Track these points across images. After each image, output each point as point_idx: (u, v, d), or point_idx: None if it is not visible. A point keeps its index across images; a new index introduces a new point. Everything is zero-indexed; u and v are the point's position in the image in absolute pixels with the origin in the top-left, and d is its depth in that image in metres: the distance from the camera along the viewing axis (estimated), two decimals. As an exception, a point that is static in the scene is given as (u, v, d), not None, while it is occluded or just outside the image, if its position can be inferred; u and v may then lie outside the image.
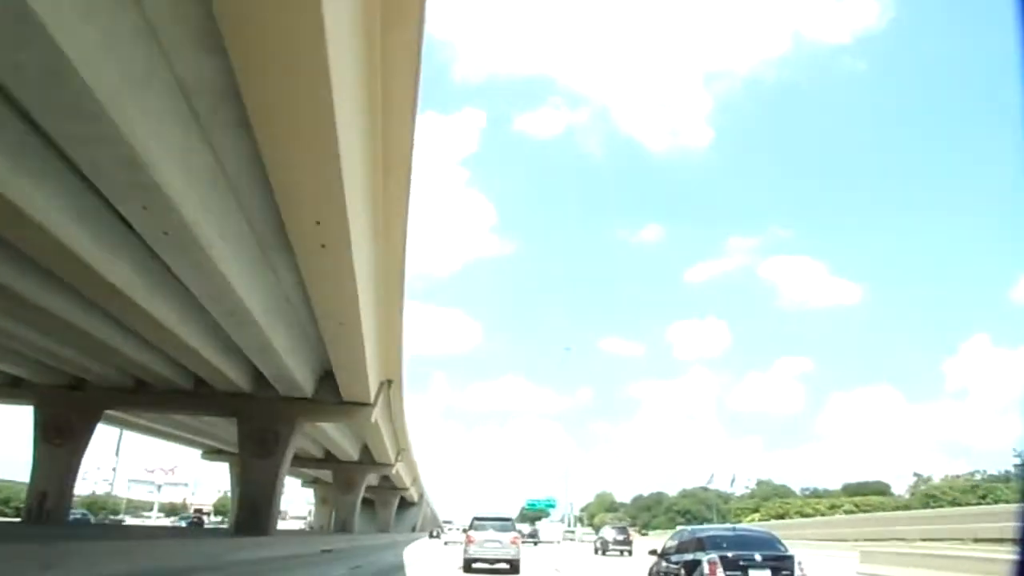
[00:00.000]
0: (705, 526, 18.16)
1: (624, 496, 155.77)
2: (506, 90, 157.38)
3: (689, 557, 10.73)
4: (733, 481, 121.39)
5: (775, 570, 9.94)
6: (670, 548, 12.17)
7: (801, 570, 10.00)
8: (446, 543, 41.53)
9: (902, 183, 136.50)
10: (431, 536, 64.24)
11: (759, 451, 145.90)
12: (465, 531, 22.61)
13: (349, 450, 42.71)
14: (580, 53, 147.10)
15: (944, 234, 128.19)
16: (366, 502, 78.07)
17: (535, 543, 53.63)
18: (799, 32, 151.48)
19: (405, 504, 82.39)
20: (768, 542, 10.97)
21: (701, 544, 10.79)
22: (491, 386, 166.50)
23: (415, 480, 68.59)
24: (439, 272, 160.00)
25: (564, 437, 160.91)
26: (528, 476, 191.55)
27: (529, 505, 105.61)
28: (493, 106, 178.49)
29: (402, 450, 46.64)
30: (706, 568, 9.80)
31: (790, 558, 10.22)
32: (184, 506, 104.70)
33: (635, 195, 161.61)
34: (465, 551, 20.07)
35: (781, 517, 73.92)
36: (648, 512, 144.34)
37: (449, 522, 62.48)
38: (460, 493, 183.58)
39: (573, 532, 75.01)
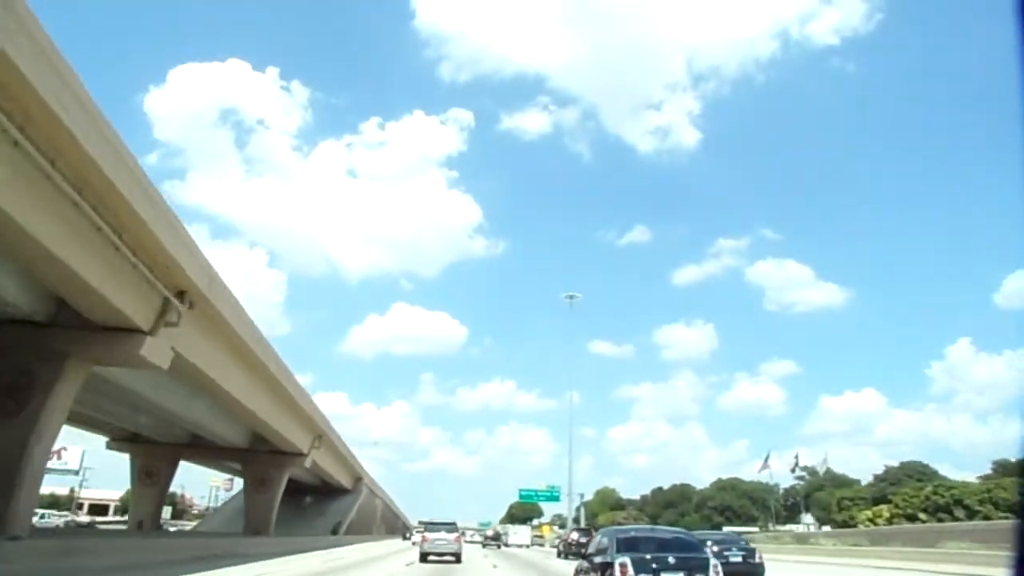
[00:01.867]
0: (626, 527, 16.70)
1: (629, 492, 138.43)
2: (494, 89, 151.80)
3: (607, 559, 10.12)
4: (796, 466, 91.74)
5: (689, 572, 9.46)
6: (592, 550, 11.83)
7: (717, 573, 9.52)
8: (414, 543, 40.14)
9: (889, 187, 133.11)
10: (404, 538, 60.79)
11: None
12: (422, 532, 29.39)
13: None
14: (569, 53, 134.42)
15: (931, 238, 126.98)
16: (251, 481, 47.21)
17: (498, 546, 50.52)
18: (788, 33, 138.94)
19: (331, 492, 51.67)
20: (685, 544, 10.69)
21: (616, 546, 10.26)
22: (478, 389, 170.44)
23: (321, 439, 37.65)
24: (425, 272, 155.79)
25: (552, 440, 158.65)
26: (518, 476, 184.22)
27: (523, 496, 75.43)
28: (481, 105, 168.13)
29: (184, 294, 15.51)
30: (617, 571, 9.40)
31: (705, 560, 9.79)
32: (70, 499, 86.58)
33: (623, 197, 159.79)
34: (421, 547, 26.75)
35: (944, 510, 44.90)
36: (673, 510, 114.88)
37: (431, 523, 49.01)
38: (449, 495, 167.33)
39: (543, 536, 71.27)
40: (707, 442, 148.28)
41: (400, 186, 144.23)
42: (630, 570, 9.29)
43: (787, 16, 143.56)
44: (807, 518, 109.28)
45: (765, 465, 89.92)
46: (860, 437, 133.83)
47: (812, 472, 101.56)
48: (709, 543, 15.36)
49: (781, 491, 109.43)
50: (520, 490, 75.70)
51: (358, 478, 55.14)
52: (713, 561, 9.75)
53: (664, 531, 12.88)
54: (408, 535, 59.57)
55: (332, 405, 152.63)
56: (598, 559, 10.75)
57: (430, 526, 28.08)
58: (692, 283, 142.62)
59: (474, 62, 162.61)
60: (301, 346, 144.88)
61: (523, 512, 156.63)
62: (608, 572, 9.68)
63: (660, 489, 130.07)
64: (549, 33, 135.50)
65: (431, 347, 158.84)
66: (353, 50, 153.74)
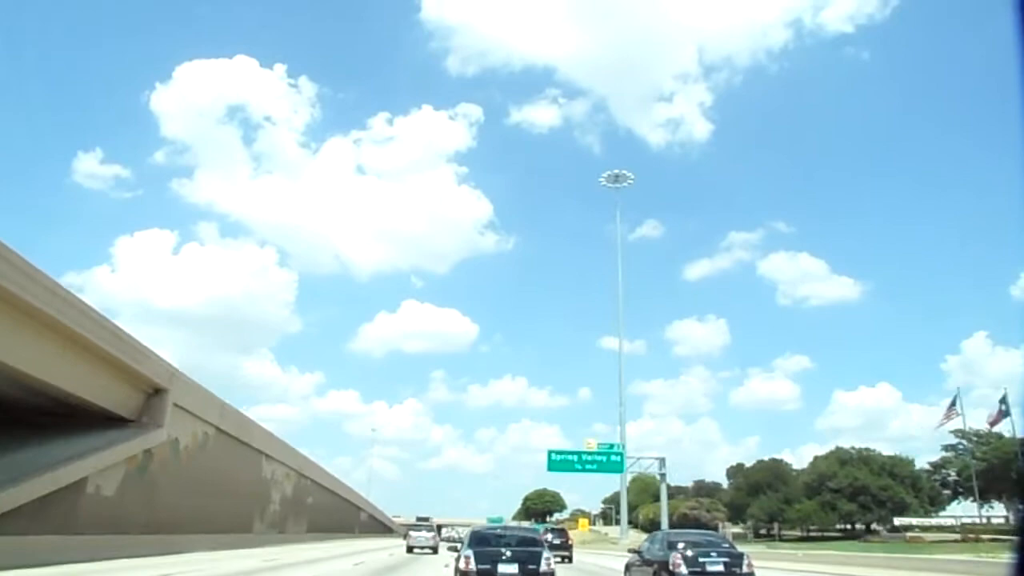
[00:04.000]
0: (492, 525, 18.66)
1: (676, 478, 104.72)
2: (502, 82, 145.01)
3: (461, 552, 11.73)
4: (1003, 413, 55.96)
5: (522, 563, 10.92)
6: (461, 544, 13.35)
7: (548, 565, 11.09)
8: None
9: (904, 179, 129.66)
10: (404, 537, 49.32)
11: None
12: (408, 532, 37.34)
13: None
14: (578, 44, 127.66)
15: (947, 230, 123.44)
16: None
17: None
18: (801, 21, 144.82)
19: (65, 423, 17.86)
20: (526, 540, 12.23)
21: (468, 541, 11.92)
22: (489, 387, 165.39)
23: None
24: (435, 269, 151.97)
25: (564, 437, 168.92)
26: (529, 473, 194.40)
27: (554, 464, 42.12)
28: (489, 99, 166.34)
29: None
30: (462, 563, 10.98)
31: (538, 553, 11.30)
32: None
33: (633, 190, 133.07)
34: (407, 542, 34.69)
35: None
36: (770, 494, 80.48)
37: (413, 524, 47.69)
38: (462, 492, 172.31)
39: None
40: (719, 439, 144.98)
41: (409, 182, 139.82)
42: (472, 560, 10.87)
43: (800, 3, 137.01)
44: (958, 506, 75.90)
45: (952, 412, 56.48)
46: (872, 433, 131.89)
47: (984, 437, 67.39)
48: (681, 546, 13.33)
49: (916, 465, 75.92)
50: (550, 453, 42.21)
51: (153, 388, 21.78)
52: (546, 555, 11.35)
53: (517, 529, 15.32)
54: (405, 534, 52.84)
55: (344, 404, 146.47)
56: (459, 551, 12.11)
57: (413, 527, 37.95)
58: (704, 278, 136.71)
59: (481, 55, 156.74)
60: (312, 345, 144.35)
61: (542, 505, 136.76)
62: (459, 561, 11.24)
63: (740, 467, 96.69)
64: (557, 23, 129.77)
65: (442, 344, 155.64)
66: (360, 44, 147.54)
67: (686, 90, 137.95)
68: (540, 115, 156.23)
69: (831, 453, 78.65)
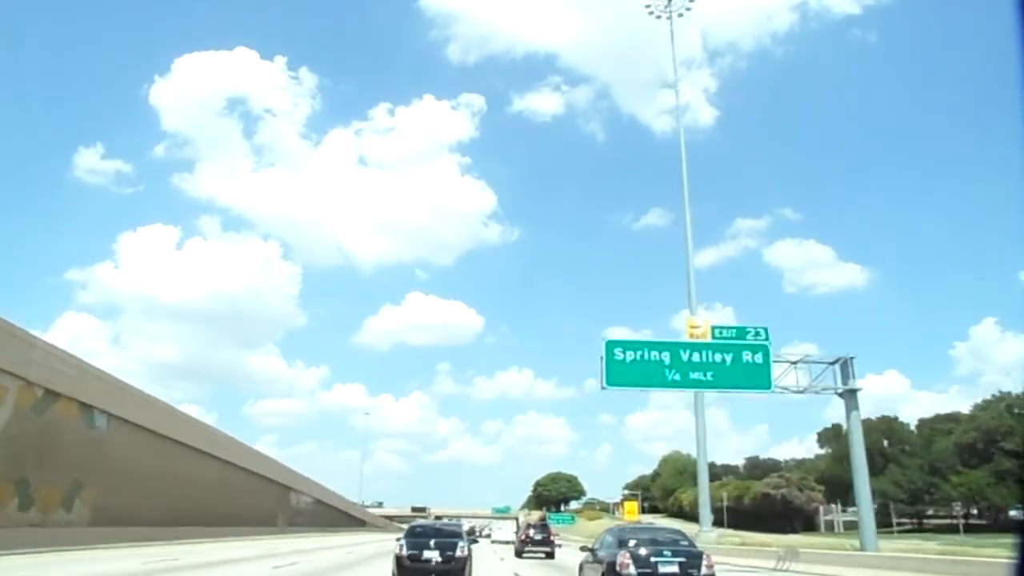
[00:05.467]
0: (431, 523, 19.48)
1: (716, 455, 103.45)
2: (504, 70, 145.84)
3: (398, 543, 14.57)
4: None
5: (442, 550, 13.70)
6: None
7: (463, 551, 13.83)
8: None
9: (912, 163, 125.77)
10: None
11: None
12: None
13: None
14: (580, 29, 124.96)
15: (955, 216, 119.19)
16: None
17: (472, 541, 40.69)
18: (807, 3, 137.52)
19: None
20: (450, 533, 14.76)
21: (405, 533, 14.86)
22: (495, 379, 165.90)
23: None
24: (440, 261, 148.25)
25: (570, 429, 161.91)
26: (536, 464, 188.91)
27: (622, 367, 18.68)
28: (491, 87, 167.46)
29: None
30: (398, 549, 13.93)
31: (455, 542, 13.97)
32: None
33: (638, 178, 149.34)
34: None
35: None
36: (907, 463, 55.95)
37: (413, 518, 57.39)
38: (469, 484, 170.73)
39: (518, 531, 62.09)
40: (729, 428, 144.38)
41: (412, 173, 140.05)
42: (404, 548, 13.78)
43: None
44: None
45: None
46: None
47: None
48: (632, 544, 11.95)
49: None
50: (610, 347, 19.35)
51: None
52: (461, 544, 14.04)
53: (446, 525, 17.23)
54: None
55: (350, 397, 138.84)
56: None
57: (408, 519, 35.86)
58: (710, 266, 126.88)
59: (482, 42, 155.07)
60: (317, 338, 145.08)
61: (555, 492, 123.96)
62: (397, 549, 14.07)
63: (836, 430, 72.13)
64: (559, 9, 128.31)
65: (447, 337, 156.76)
66: (360, 34, 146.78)
67: (690, 76, 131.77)
68: (543, 103, 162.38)
69: (991, 402, 55.30)
